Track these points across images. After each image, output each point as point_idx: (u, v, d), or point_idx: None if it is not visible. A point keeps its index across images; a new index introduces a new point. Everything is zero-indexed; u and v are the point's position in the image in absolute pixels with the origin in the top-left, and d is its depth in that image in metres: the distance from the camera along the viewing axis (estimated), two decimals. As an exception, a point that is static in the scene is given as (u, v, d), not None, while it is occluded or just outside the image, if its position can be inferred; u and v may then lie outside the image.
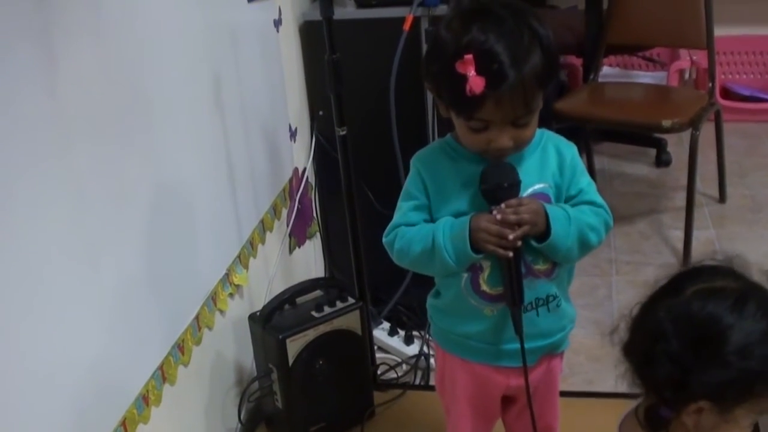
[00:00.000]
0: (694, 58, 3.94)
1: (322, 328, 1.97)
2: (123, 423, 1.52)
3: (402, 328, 2.46)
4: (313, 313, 1.98)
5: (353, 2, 2.48)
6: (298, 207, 2.47)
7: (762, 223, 3.07)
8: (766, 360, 1.07)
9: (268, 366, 1.97)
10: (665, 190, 3.42)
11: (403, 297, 2.51)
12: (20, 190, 1.24)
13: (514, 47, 1.29)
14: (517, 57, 1.29)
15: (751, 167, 3.52)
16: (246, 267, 2.10)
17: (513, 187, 1.38)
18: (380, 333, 2.46)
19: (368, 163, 2.36)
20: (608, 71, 3.96)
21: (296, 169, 2.49)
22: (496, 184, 1.38)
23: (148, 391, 1.61)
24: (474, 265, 1.43)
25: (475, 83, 1.27)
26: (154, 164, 1.64)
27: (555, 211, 1.40)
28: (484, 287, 1.44)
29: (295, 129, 2.49)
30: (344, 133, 2.06)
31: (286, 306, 2.00)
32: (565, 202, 1.45)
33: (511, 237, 1.35)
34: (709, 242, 2.95)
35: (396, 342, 2.43)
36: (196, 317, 1.84)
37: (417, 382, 2.31)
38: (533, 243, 1.40)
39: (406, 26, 2.32)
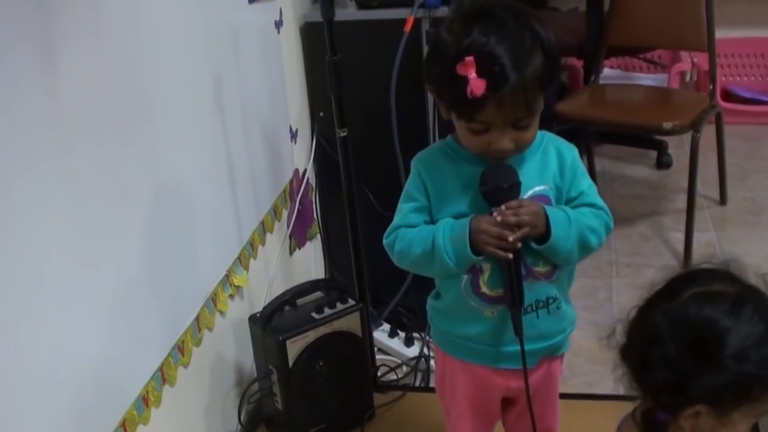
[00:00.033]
0: (695, 60, 3.94)
1: (323, 330, 1.97)
2: (123, 424, 1.52)
3: (402, 330, 2.46)
4: (314, 314, 1.98)
5: (354, 3, 2.48)
6: (298, 208, 2.47)
7: (763, 225, 3.07)
8: (763, 363, 1.07)
9: (268, 367, 1.97)
10: (666, 192, 3.42)
11: (404, 298, 2.51)
12: (20, 190, 1.24)
13: (515, 49, 1.29)
14: (519, 59, 1.28)
15: (752, 169, 3.52)
16: (246, 268, 2.10)
17: (513, 188, 1.38)
18: (380, 334, 2.46)
19: (369, 165, 2.36)
20: (609, 73, 3.95)
21: (297, 171, 2.49)
22: (496, 185, 1.38)
23: (147, 392, 1.61)
24: (474, 266, 1.43)
25: (476, 85, 1.27)
26: (154, 165, 1.64)
27: (555, 213, 1.39)
28: (484, 289, 1.44)
29: (296, 130, 2.49)
30: (345, 134, 2.05)
31: (287, 307, 2.00)
32: (566, 204, 1.45)
33: (510, 239, 1.35)
34: (710, 244, 2.95)
35: (396, 343, 2.43)
36: (196, 318, 1.83)
37: (417, 383, 2.31)
38: (533, 245, 1.40)
39: (407, 28, 2.32)
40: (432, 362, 2.29)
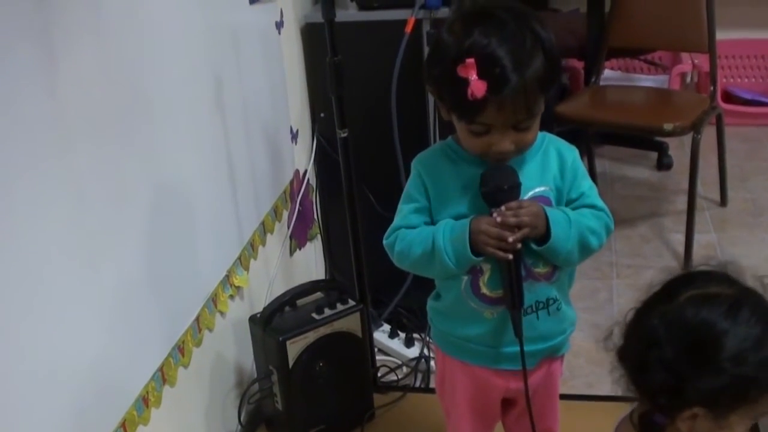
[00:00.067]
0: (696, 61, 3.94)
1: (323, 330, 1.97)
2: (123, 424, 1.52)
3: (402, 331, 2.46)
4: (314, 315, 1.98)
5: (355, 4, 2.48)
6: (298, 209, 2.47)
7: (763, 226, 3.07)
8: (760, 366, 1.07)
9: (269, 368, 1.97)
10: (666, 194, 3.42)
11: (404, 299, 2.51)
12: (20, 190, 1.24)
13: (516, 51, 1.29)
14: (519, 61, 1.28)
15: (753, 171, 3.52)
16: (246, 269, 2.10)
17: (513, 189, 1.38)
18: (380, 335, 2.46)
19: (369, 166, 2.36)
20: (610, 74, 3.95)
21: (297, 171, 2.49)
22: (496, 186, 1.37)
23: (147, 392, 1.61)
24: (474, 267, 1.43)
25: (477, 87, 1.27)
26: (154, 165, 1.64)
27: (555, 214, 1.39)
28: (484, 290, 1.44)
29: (297, 131, 2.49)
30: (345, 135, 2.05)
31: (287, 308, 2.00)
32: (566, 205, 1.45)
33: (510, 239, 1.35)
34: (710, 246, 2.95)
35: (396, 344, 2.43)
36: (197, 318, 1.83)
37: (417, 384, 2.31)
38: (533, 246, 1.40)
39: (408, 29, 2.32)
40: (432, 363, 2.29)
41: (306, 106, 2.59)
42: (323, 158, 2.58)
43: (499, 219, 1.36)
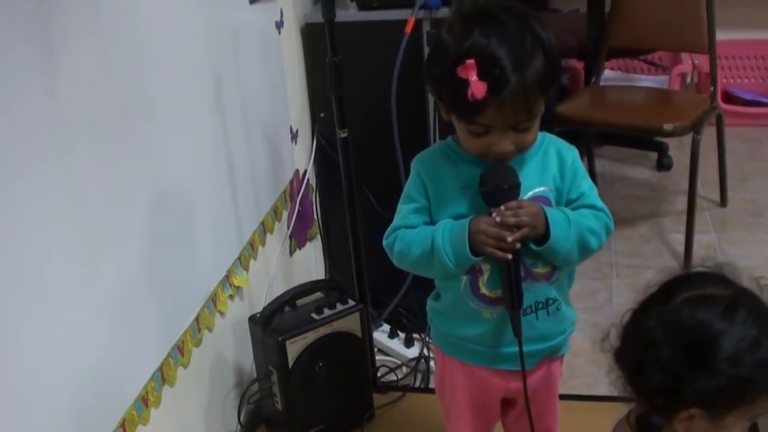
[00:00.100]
0: (696, 62, 3.94)
1: (322, 330, 1.97)
2: (122, 424, 1.52)
3: (402, 331, 2.46)
4: (313, 315, 1.98)
5: (355, 4, 2.48)
6: (298, 209, 2.47)
7: (763, 227, 3.07)
8: (757, 367, 1.07)
9: (268, 368, 1.97)
10: (666, 194, 3.42)
11: (404, 299, 2.51)
12: (20, 190, 1.24)
13: (516, 52, 1.28)
14: (519, 62, 1.28)
15: (753, 171, 3.52)
16: (246, 269, 2.10)
17: (513, 189, 1.38)
18: (380, 335, 2.46)
19: (369, 166, 2.36)
20: (610, 75, 3.96)
21: (297, 171, 2.49)
22: (496, 186, 1.37)
23: (147, 392, 1.61)
24: (473, 267, 1.43)
25: (477, 88, 1.26)
26: (154, 165, 1.64)
27: (554, 214, 1.39)
28: (484, 290, 1.44)
29: (296, 131, 2.49)
30: (345, 135, 2.05)
31: (286, 308, 2.00)
32: (566, 205, 1.45)
33: (509, 239, 1.35)
34: (710, 246, 2.95)
35: (396, 344, 2.43)
36: (196, 318, 1.83)
37: (417, 384, 2.31)
38: (532, 246, 1.40)
39: (408, 29, 2.32)
40: (432, 363, 2.29)
41: (306, 106, 2.59)
42: (323, 158, 2.58)
43: (498, 219, 1.36)
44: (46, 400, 1.31)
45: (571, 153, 1.47)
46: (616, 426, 1.26)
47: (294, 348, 1.93)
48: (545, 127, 1.45)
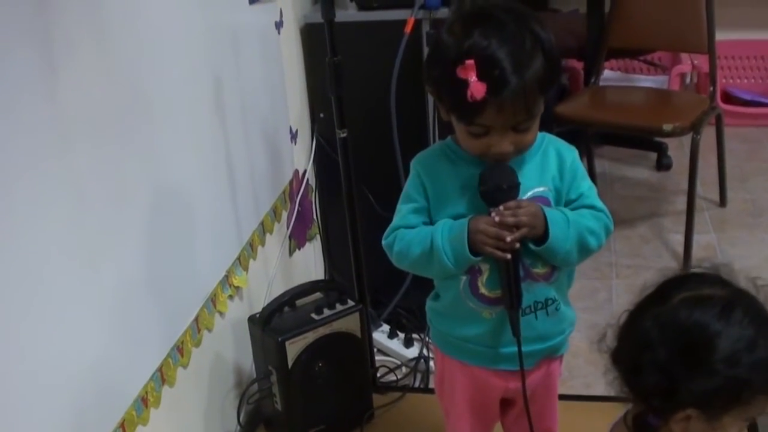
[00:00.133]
0: (696, 62, 3.94)
1: (322, 331, 1.97)
2: (122, 425, 1.52)
3: (402, 331, 2.46)
4: (313, 315, 1.98)
5: (354, 4, 2.48)
6: (298, 209, 2.47)
7: (763, 227, 3.07)
8: (753, 367, 1.07)
9: (268, 368, 1.97)
10: (666, 194, 3.42)
11: (403, 299, 2.51)
12: (20, 191, 1.24)
13: (515, 52, 1.28)
14: (519, 62, 1.28)
15: (752, 171, 3.52)
16: (246, 269, 2.10)
17: (512, 189, 1.38)
18: (380, 335, 2.46)
19: (369, 166, 2.36)
20: (609, 75, 3.96)
21: (296, 171, 2.49)
22: (495, 186, 1.37)
23: (147, 392, 1.61)
24: (473, 267, 1.43)
25: (476, 89, 1.26)
26: (154, 165, 1.64)
27: (554, 215, 1.39)
28: (483, 290, 1.44)
29: (296, 131, 2.49)
30: (345, 135, 2.05)
31: (286, 308, 2.00)
32: (566, 206, 1.45)
33: (508, 239, 1.35)
34: (710, 246, 2.95)
35: (395, 344, 2.43)
36: (196, 319, 1.83)
37: (416, 384, 2.31)
38: (531, 246, 1.40)
39: (408, 29, 2.32)
40: (431, 363, 2.29)
41: (305, 106, 2.59)
42: (323, 158, 2.58)
43: (497, 218, 1.36)
44: (46, 400, 1.31)
45: (571, 153, 1.47)
46: (613, 427, 1.26)
47: (293, 348, 1.93)
48: (545, 127, 1.45)
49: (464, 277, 1.44)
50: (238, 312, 2.07)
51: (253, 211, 2.17)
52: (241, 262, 2.08)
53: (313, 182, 2.61)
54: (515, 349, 1.43)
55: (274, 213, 2.31)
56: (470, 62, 1.27)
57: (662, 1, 3.05)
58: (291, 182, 2.44)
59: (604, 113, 3.09)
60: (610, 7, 3.14)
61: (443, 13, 2.34)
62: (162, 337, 1.70)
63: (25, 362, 1.25)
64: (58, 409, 1.34)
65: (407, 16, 2.33)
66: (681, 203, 3.01)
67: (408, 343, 2.41)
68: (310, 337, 1.95)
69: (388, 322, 2.52)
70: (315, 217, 2.64)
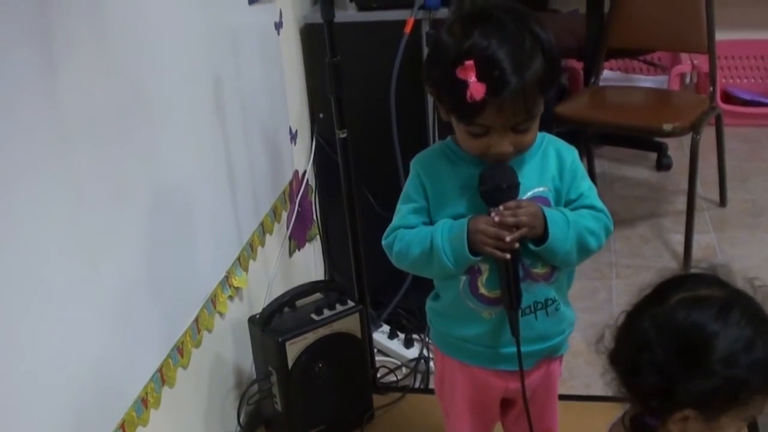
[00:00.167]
0: (695, 62, 3.94)
1: (322, 331, 1.97)
2: (122, 425, 1.52)
3: (402, 331, 2.46)
4: (313, 316, 1.98)
5: (354, 5, 2.48)
6: (298, 210, 2.47)
7: (763, 227, 3.07)
8: (751, 367, 1.07)
9: (268, 369, 1.97)
10: (666, 194, 3.42)
11: (403, 300, 2.51)
12: (20, 191, 1.24)
13: (515, 53, 1.28)
14: (519, 63, 1.28)
15: (752, 171, 3.52)
16: (246, 269, 2.10)
17: (512, 189, 1.38)
18: (380, 336, 2.46)
19: (368, 166, 2.36)
20: (609, 75, 3.96)
21: (296, 172, 2.49)
22: (495, 185, 1.37)
23: (147, 393, 1.61)
24: (472, 267, 1.43)
25: (476, 90, 1.26)
26: (154, 165, 1.64)
27: (553, 215, 1.39)
28: (482, 290, 1.44)
29: (296, 131, 2.49)
30: (345, 135, 2.05)
31: (286, 309, 2.00)
32: (566, 206, 1.45)
33: (508, 239, 1.35)
34: (710, 246, 2.95)
35: (396, 345, 2.43)
36: (196, 319, 1.83)
37: (416, 385, 2.31)
38: (531, 246, 1.40)
39: (407, 29, 2.32)
40: (431, 364, 2.29)
41: (305, 106, 2.59)
42: (322, 159, 2.58)
43: (497, 218, 1.36)
44: (46, 400, 1.31)
45: (571, 153, 1.47)
46: (611, 428, 1.26)
47: (293, 349, 1.93)
48: (544, 127, 1.45)
49: (464, 278, 1.44)
50: (238, 312, 2.07)
51: (252, 212, 2.17)
52: (241, 262, 2.08)
53: (312, 183, 2.61)
54: (515, 349, 1.43)
55: (274, 213, 2.31)
56: (470, 63, 1.27)
57: (662, 1, 3.05)
58: (291, 183, 2.44)
59: (603, 113, 3.09)
60: (610, 7, 3.15)
61: (443, 13, 2.34)
62: (162, 338, 1.70)
63: (25, 362, 1.25)
64: (58, 410, 1.34)
65: (407, 16, 2.33)
66: (681, 203, 3.01)
67: (408, 343, 2.41)
68: (310, 337, 1.95)
69: (388, 323, 2.52)
70: (315, 217, 2.64)
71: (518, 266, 1.40)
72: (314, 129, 2.60)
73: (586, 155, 3.29)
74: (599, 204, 1.46)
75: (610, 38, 3.10)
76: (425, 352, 2.35)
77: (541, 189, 1.43)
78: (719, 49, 2.98)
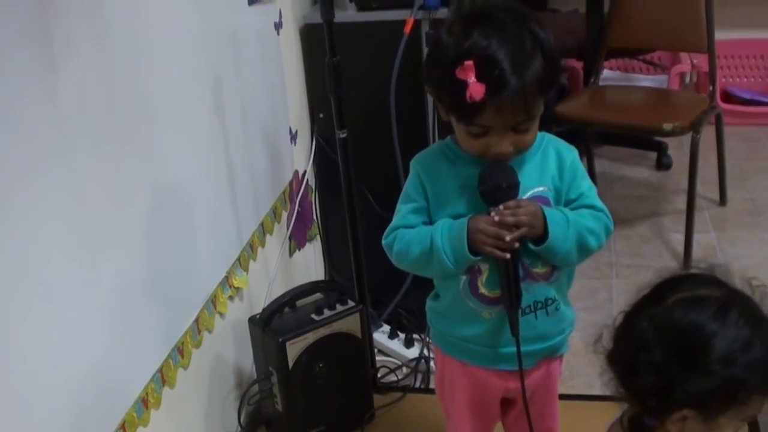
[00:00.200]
0: (695, 61, 3.94)
1: (322, 331, 1.97)
2: (122, 426, 1.52)
3: (402, 331, 2.46)
4: (313, 316, 1.98)
5: (354, 5, 2.48)
6: (298, 210, 2.47)
7: (762, 226, 3.07)
8: (749, 367, 1.07)
9: (268, 369, 1.97)
10: (666, 194, 3.42)
11: (403, 300, 2.51)
12: (20, 191, 1.24)
13: (515, 53, 1.28)
14: (519, 63, 1.28)
15: (752, 170, 3.52)
16: (246, 270, 2.10)
17: (512, 188, 1.38)
18: (380, 336, 2.46)
19: (368, 166, 2.36)
20: (609, 74, 3.96)
21: (296, 172, 2.49)
22: (495, 185, 1.37)
23: (147, 393, 1.61)
24: (472, 267, 1.43)
25: (475, 90, 1.26)
26: (154, 165, 1.64)
27: (553, 214, 1.39)
28: (482, 290, 1.44)
29: (296, 132, 2.49)
30: (344, 135, 2.05)
31: (286, 309, 2.00)
32: (565, 205, 1.45)
33: (508, 238, 1.35)
34: (710, 246, 2.95)
35: (396, 345, 2.43)
36: (196, 320, 1.83)
37: (417, 385, 2.31)
38: (531, 246, 1.40)
39: (407, 29, 2.32)
40: (432, 363, 2.29)
41: (305, 106, 2.59)
42: (322, 159, 2.58)
43: (497, 218, 1.36)
44: (46, 400, 1.31)
45: (571, 153, 1.47)
46: (609, 428, 1.26)
47: (294, 349, 1.93)
48: (544, 127, 1.45)
49: (464, 277, 1.44)
50: (238, 313, 2.07)
51: (252, 212, 2.17)
52: (241, 262, 2.08)
53: (312, 183, 2.61)
54: (515, 348, 1.43)
55: (274, 213, 2.31)
56: (469, 63, 1.26)
57: (661, 1, 3.04)
58: (291, 183, 2.44)
59: (603, 113, 3.09)
60: (610, 7, 3.14)
61: (443, 13, 2.34)
62: (162, 338, 1.70)
63: (25, 362, 1.25)
64: (58, 410, 1.34)
65: (407, 16, 2.33)
66: (681, 202, 3.01)
67: (408, 343, 2.41)
68: (310, 337, 1.95)
69: (388, 323, 2.52)
70: (315, 217, 2.64)
71: (518, 266, 1.40)
72: (314, 129, 2.60)
73: (586, 155, 3.29)
74: (599, 203, 1.46)
75: (609, 38, 3.10)
76: (425, 351, 2.35)
77: (541, 189, 1.43)
78: (719, 48, 2.98)
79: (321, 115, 2.55)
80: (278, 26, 2.35)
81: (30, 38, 1.26)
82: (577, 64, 3.73)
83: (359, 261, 2.17)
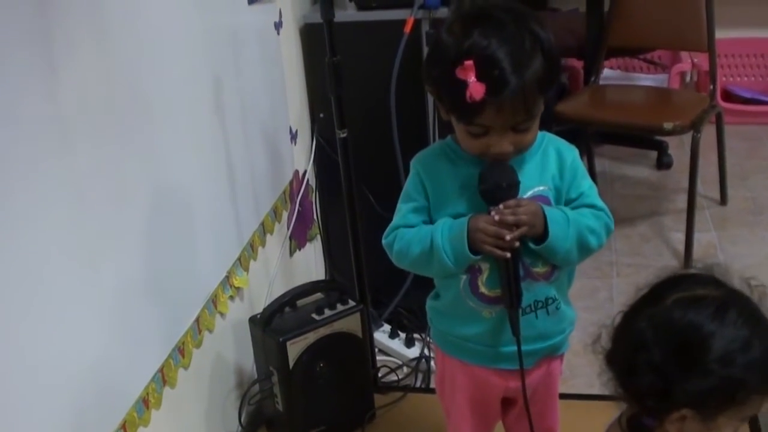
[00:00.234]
0: (695, 60, 3.94)
1: (323, 331, 1.97)
2: (123, 426, 1.52)
3: (403, 331, 2.46)
4: (314, 315, 1.98)
5: (354, 4, 2.48)
6: (298, 209, 2.47)
7: (763, 225, 3.07)
8: (748, 367, 1.07)
9: (269, 369, 1.97)
10: (666, 193, 3.42)
11: (404, 299, 2.51)
12: (20, 191, 1.24)
13: (515, 53, 1.28)
14: (519, 63, 1.28)
15: (752, 169, 3.52)
16: (246, 269, 2.10)
17: (512, 187, 1.38)
18: (381, 335, 2.46)
19: (369, 166, 2.36)
20: (609, 74, 3.95)
21: (297, 172, 2.49)
22: (495, 184, 1.37)
23: (148, 393, 1.61)
24: (473, 266, 1.43)
25: (475, 90, 1.26)
26: (154, 165, 1.64)
27: (553, 214, 1.39)
28: (483, 289, 1.44)
29: (296, 131, 2.49)
30: (345, 135, 2.05)
31: (287, 309, 2.00)
32: (566, 205, 1.45)
33: (508, 238, 1.35)
34: (711, 245, 2.95)
35: (397, 344, 2.43)
36: (197, 320, 1.83)
37: (418, 384, 2.31)
38: (531, 245, 1.39)
39: (407, 29, 2.32)
40: (432, 363, 2.29)
41: (305, 106, 2.59)
42: (323, 159, 2.58)
43: (497, 217, 1.36)
44: (46, 400, 1.31)
45: (571, 152, 1.47)
46: (608, 429, 1.26)
47: (294, 349, 1.93)
48: (544, 126, 1.45)
49: (464, 276, 1.44)
50: (238, 312, 2.07)
51: (253, 212, 2.17)
52: (242, 262, 2.08)
53: (313, 182, 2.61)
54: (515, 348, 1.43)
55: (275, 213, 2.31)
56: (469, 63, 1.26)
57: (662, 0, 3.04)
58: (291, 182, 2.44)
59: (604, 112, 3.09)
60: (610, 6, 3.14)
61: (443, 12, 2.34)
62: (163, 338, 1.70)
63: (26, 362, 1.25)
64: (58, 410, 1.34)
65: (407, 15, 2.33)
66: (681, 202, 3.01)
67: (409, 342, 2.41)
68: (311, 337, 1.95)
69: (389, 322, 2.52)
70: (315, 217, 2.64)
71: (518, 265, 1.40)
72: (314, 129, 2.60)
73: (587, 154, 3.29)
74: (600, 203, 1.46)
75: (610, 37, 3.10)
76: (426, 351, 2.35)
77: (541, 188, 1.43)
78: (719, 47, 2.97)
79: (321, 115, 2.55)
80: (278, 26, 2.35)
81: (30, 38, 1.26)
82: (578, 64, 3.73)
83: (360, 261, 2.17)
